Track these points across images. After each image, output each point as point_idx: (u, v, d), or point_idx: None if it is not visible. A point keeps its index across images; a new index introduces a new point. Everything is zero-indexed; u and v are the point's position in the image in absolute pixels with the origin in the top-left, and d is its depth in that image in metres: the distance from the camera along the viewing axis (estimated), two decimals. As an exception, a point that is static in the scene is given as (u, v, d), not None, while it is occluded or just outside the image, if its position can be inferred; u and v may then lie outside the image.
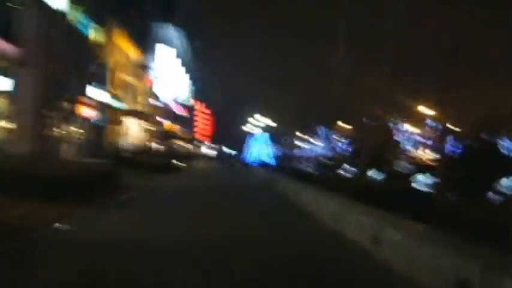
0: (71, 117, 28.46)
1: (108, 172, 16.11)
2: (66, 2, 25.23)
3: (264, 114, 61.18)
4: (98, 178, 14.07)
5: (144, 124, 46.52)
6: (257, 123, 70.39)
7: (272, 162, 71.07)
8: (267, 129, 74.94)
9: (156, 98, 52.26)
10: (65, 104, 27.20)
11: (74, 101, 27.78)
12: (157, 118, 52.62)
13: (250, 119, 71.75)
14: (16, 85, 22.18)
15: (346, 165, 34.43)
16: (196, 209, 12.24)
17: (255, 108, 61.84)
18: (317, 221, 11.03)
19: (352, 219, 8.73)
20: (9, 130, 22.49)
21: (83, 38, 28.72)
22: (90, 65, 29.57)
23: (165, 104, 57.26)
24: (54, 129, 24.77)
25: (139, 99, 46.26)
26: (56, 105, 24.69)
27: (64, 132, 27.92)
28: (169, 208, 12.39)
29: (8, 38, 21.45)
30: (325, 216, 10.88)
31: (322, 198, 11.99)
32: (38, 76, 22.51)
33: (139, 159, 30.34)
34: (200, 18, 70.47)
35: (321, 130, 63.70)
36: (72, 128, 29.46)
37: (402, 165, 36.22)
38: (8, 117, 22.58)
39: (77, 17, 27.18)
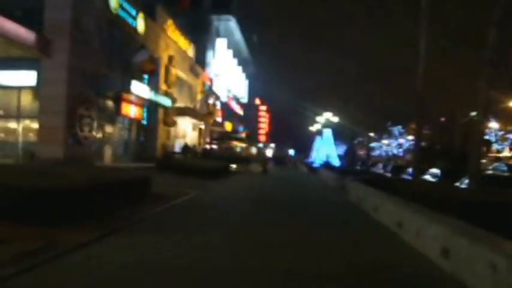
0: (114, 117, 25.78)
1: (139, 181, 12.99)
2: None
3: (330, 111, 56.71)
4: (122, 188, 11.06)
5: (200, 124, 43.67)
6: (323, 122, 65.92)
7: (340, 163, 66.23)
8: (333, 128, 70.23)
9: (214, 96, 49.30)
10: (107, 102, 24.52)
11: (118, 99, 25.02)
12: (215, 118, 49.72)
13: (315, 118, 67.43)
14: (44, 80, 19.57)
15: (433, 170, 29.37)
16: (241, 238, 8.64)
17: (321, 106, 57.63)
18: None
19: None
20: (40, 131, 19.94)
21: (129, 29, 25.93)
22: (138, 59, 26.70)
23: (223, 102, 54.35)
24: (94, 130, 21.96)
25: (196, 97, 43.43)
26: (94, 103, 21.90)
27: (106, 134, 25.30)
28: (200, 235, 8.83)
29: (36, 25, 18.90)
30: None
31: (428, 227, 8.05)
32: (70, 69, 19.76)
33: (189, 163, 27.25)
34: (257, 11, 66.75)
35: (396, 129, 58.69)
36: (117, 129, 26.83)
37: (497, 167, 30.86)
38: (36, 117, 20.03)
39: (121, 5, 24.39)
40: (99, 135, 23.84)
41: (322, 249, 7.91)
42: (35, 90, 20.26)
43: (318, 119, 67.40)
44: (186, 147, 37.67)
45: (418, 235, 8.21)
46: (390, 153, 58.31)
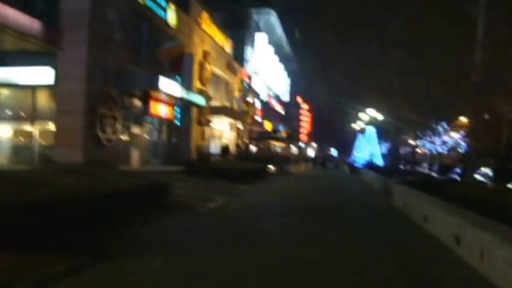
0: (142, 117, 23.87)
1: (154, 188, 11.07)
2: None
3: (373, 108, 53.75)
4: (131, 198, 9.28)
5: (238, 124, 41.48)
6: (366, 120, 62.74)
7: (382, 163, 62.87)
8: (376, 125, 66.90)
9: (253, 94, 47.01)
10: (133, 101, 22.60)
11: (145, 98, 23.08)
12: (254, 117, 47.45)
13: (359, 115, 64.32)
14: (61, 77, 17.72)
15: (484, 169, 26.46)
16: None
17: (363, 103, 54.68)
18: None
19: None
20: (57, 133, 18.17)
21: (158, 22, 23.94)
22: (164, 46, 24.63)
23: (263, 101, 52.02)
24: (117, 131, 20.08)
25: (233, 95, 41.25)
26: (118, 102, 19.98)
27: (133, 136, 23.41)
28: (202, 262, 6.72)
29: (50, 17, 17.09)
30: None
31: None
32: (89, 65, 17.86)
33: (222, 166, 25.12)
34: (299, 5, 64.05)
35: (442, 126, 55.18)
36: (145, 130, 24.93)
37: None
38: (53, 118, 18.24)
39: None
40: (125, 137, 21.96)
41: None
42: (52, 89, 18.44)
43: (361, 116, 64.30)
44: (225, 148, 35.61)
45: (483, 257, 6.42)
46: (435, 152, 55.04)
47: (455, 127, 52.32)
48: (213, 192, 16.15)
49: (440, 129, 58.49)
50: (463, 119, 47.77)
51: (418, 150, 60.94)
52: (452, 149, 51.87)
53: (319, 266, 6.62)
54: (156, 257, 6.76)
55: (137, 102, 22.94)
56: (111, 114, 19.41)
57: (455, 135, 52.48)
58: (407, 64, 33.32)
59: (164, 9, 24.34)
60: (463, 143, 48.06)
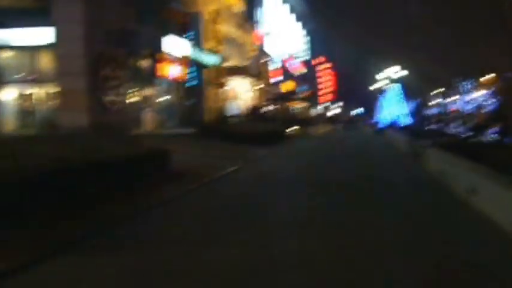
0: (152, 78, 23.06)
1: (150, 156, 10.15)
2: None
3: (398, 64, 51.88)
4: (122, 169, 8.52)
5: (254, 85, 40.33)
6: (391, 77, 60.77)
7: (408, 121, 60.83)
8: (402, 83, 64.58)
9: (267, 55, 45.54)
10: (141, 62, 21.78)
11: (153, 58, 22.20)
12: (271, 77, 46.20)
13: (380, 74, 62.35)
14: (59, 37, 16.92)
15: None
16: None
17: (386, 60, 52.82)
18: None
19: None
20: (59, 97, 17.50)
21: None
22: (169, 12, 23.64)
23: (279, 60, 50.53)
24: (122, 94, 19.32)
25: (248, 56, 39.99)
26: (122, 64, 19.13)
27: (143, 98, 22.71)
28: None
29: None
30: None
31: None
32: (87, 24, 16.98)
33: (238, 128, 24.26)
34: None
35: (466, 84, 53.04)
36: (156, 92, 24.16)
37: None
38: (56, 80, 17.53)
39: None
40: (134, 99, 21.24)
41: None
42: (54, 50, 17.68)
43: (384, 73, 62.26)
44: (255, 109, 34.71)
45: None
46: (464, 111, 52.78)
47: (482, 85, 50.48)
48: (225, 158, 15.01)
49: (467, 86, 56.43)
50: (491, 76, 45.85)
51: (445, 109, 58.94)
52: (480, 107, 50.03)
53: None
54: (112, 257, 5.15)
55: (145, 63, 22.12)
56: (114, 76, 18.59)
57: (481, 93, 50.54)
58: (431, 16, 31.41)
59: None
60: (490, 101, 46.08)
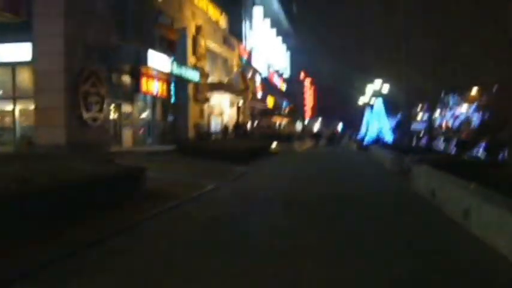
0: (133, 94, 22.80)
1: (123, 176, 9.68)
2: None
3: (381, 78, 52.05)
4: (87, 191, 7.92)
5: (238, 100, 40.29)
6: (374, 92, 60.79)
7: (393, 137, 60.62)
8: (385, 98, 64.41)
9: (252, 70, 45.64)
10: (123, 78, 21.55)
11: (136, 74, 21.97)
12: (255, 93, 46.22)
13: (365, 88, 62.37)
14: (39, 52, 16.65)
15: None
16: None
17: (370, 74, 52.86)
18: None
19: None
20: (37, 113, 17.16)
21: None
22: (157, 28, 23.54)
23: (264, 77, 50.64)
24: (104, 110, 19.03)
25: (232, 71, 39.99)
26: (103, 79, 18.86)
27: (124, 114, 22.44)
28: None
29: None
30: None
31: None
32: (68, 39, 16.74)
33: (218, 145, 24.13)
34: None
35: (453, 98, 53.31)
36: (137, 108, 23.88)
37: None
38: (35, 96, 17.18)
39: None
40: (114, 115, 20.98)
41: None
42: (32, 66, 17.36)
43: (367, 88, 62.37)
44: (225, 128, 34.68)
45: None
46: (452, 126, 52.80)
47: (468, 99, 50.54)
48: (203, 176, 14.44)
49: (454, 100, 56.62)
50: (476, 90, 46.09)
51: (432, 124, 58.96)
52: (465, 122, 50.13)
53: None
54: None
55: (127, 79, 21.89)
56: (96, 92, 18.32)
57: (467, 108, 50.70)
58: (416, 26, 31.03)
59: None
60: (476, 116, 46.15)
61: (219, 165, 18.05)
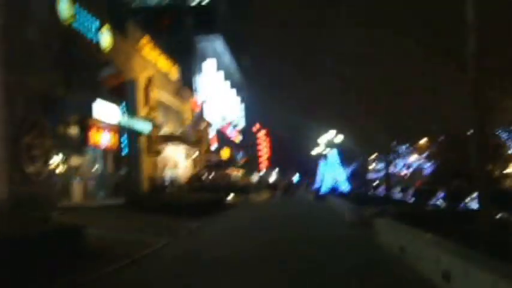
0: (82, 146, 21.93)
1: (58, 234, 8.83)
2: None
3: (334, 129, 52.82)
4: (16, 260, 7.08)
5: (192, 152, 39.71)
6: (328, 142, 61.48)
7: (349, 187, 61.41)
8: (339, 149, 65.22)
9: (206, 122, 45.42)
10: (70, 129, 20.72)
11: (83, 125, 21.19)
12: (209, 145, 45.84)
13: (319, 139, 63.00)
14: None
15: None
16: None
17: (324, 125, 53.46)
18: None
19: None
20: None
21: (90, 46, 22.17)
22: (103, 80, 23.04)
23: (218, 129, 50.47)
24: (48, 164, 18.06)
25: (185, 123, 39.61)
26: (47, 131, 17.98)
27: (73, 167, 21.48)
28: None
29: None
30: None
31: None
32: (8, 88, 15.94)
33: (170, 198, 23.46)
34: (244, 34, 63.06)
35: (404, 148, 54.40)
36: (86, 161, 22.97)
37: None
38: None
39: (76, 15, 20.73)
40: (61, 168, 19.99)
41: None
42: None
43: (321, 139, 62.97)
44: (172, 181, 33.95)
45: None
46: (405, 175, 53.73)
47: (418, 149, 51.49)
48: (151, 234, 13.86)
49: (405, 150, 57.73)
50: (424, 140, 47.20)
51: (378, 174, 59.61)
52: (416, 172, 50.96)
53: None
54: None
55: (75, 130, 21.06)
56: (40, 144, 17.40)
57: (416, 157, 51.56)
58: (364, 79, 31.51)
59: (96, 31, 22.62)
60: (426, 165, 46.84)
61: (173, 220, 17.37)
